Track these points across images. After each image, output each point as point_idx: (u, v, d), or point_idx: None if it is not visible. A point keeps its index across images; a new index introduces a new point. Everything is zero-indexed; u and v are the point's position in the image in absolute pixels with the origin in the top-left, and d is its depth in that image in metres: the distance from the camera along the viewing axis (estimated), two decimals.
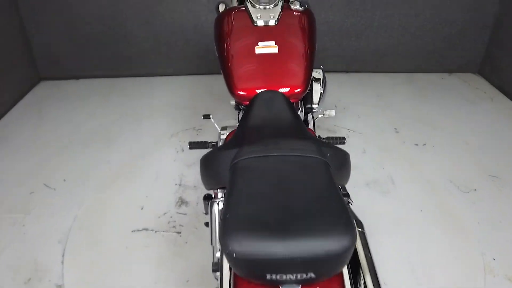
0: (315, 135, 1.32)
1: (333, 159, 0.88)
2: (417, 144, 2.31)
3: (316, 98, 1.49)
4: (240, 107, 1.46)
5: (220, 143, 1.62)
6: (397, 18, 2.90)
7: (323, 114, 1.65)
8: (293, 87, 1.28)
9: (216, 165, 0.92)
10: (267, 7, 1.41)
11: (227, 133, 1.61)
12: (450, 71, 3.15)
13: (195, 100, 2.76)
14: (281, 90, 1.26)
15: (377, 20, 2.91)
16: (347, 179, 0.96)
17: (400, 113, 2.60)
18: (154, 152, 2.20)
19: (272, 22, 1.38)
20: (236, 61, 1.33)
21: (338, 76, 3.10)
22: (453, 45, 3.02)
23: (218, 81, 3.01)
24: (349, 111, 2.63)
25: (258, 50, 1.32)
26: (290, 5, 1.45)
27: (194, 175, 2.01)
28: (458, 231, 1.71)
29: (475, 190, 1.96)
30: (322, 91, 1.49)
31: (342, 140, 1.81)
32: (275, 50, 1.32)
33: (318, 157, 0.81)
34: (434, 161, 2.16)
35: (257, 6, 1.41)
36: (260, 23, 1.38)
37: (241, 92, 1.27)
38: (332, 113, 1.72)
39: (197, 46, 3.00)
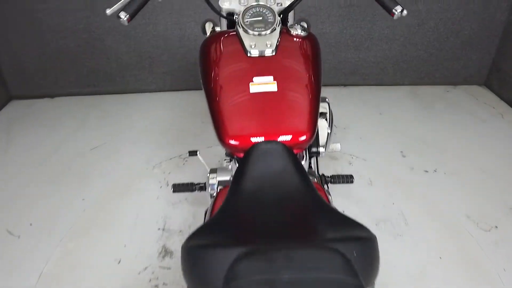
0: (327, 197, 1.09)
1: (360, 259, 0.65)
2: (427, 171, 2.09)
3: (322, 139, 1.26)
4: (232, 158, 1.22)
5: (209, 189, 1.38)
6: (399, 28, 2.69)
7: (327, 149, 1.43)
8: (297, 135, 1.04)
9: (205, 267, 0.68)
10: (263, 33, 1.17)
11: (217, 179, 1.38)
12: (455, 83, 2.95)
13: (181, 120, 2.51)
14: (282, 138, 1.03)
15: (378, 30, 2.69)
16: (376, 275, 0.74)
17: (405, 134, 2.38)
18: (134, 187, 1.95)
19: (269, 52, 1.14)
20: (226, 101, 1.09)
21: (336, 90, 2.88)
22: (458, 56, 2.82)
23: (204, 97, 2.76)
24: (350, 131, 2.41)
25: (253, 88, 1.09)
26: (290, 29, 1.21)
27: (180, 216, 1.77)
28: (484, 283, 1.50)
29: (496, 227, 1.76)
30: (329, 131, 1.26)
31: (350, 179, 1.58)
32: (273, 87, 1.09)
33: (346, 278, 0.57)
34: (447, 191, 1.95)
35: (251, 32, 1.17)
36: (255, 53, 1.14)
37: (233, 142, 1.04)
38: (337, 147, 1.50)
39: (183, 60, 2.75)
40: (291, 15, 1.40)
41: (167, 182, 1.97)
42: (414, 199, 1.89)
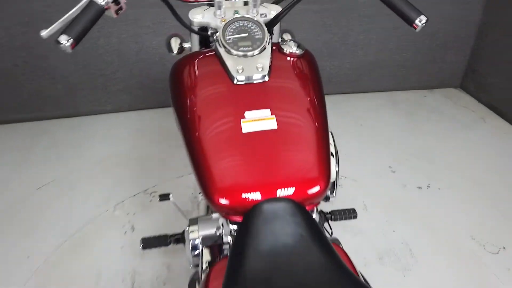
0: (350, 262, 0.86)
1: None
2: (420, 187, 1.93)
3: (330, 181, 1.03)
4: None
5: (189, 246, 1.11)
6: (374, 33, 2.53)
7: None
8: (309, 185, 0.80)
9: None
10: (250, 53, 0.93)
11: (199, 233, 1.11)
12: (431, 87, 2.85)
13: (144, 145, 2.21)
14: (290, 192, 0.79)
15: (353, 36, 2.52)
16: None
17: (390, 146, 2.22)
18: (92, 236, 1.63)
19: (261, 77, 0.90)
20: (213, 146, 0.83)
21: None
22: (434, 59, 2.71)
23: (168, 116, 2.48)
24: None
25: (246, 126, 0.84)
26: (282, 47, 0.98)
27: (151, 269, 1.48)
28: None
29: (504, 248, 1.61)
30: (337, 168, 1.03)
31: (352, 214, 1.37)
32: (272, 124, 0.84)
33: None
34: (445, 210, 1.79)
35: (235, 52, 0.93)
36: (243, 79, 0.89)
37: (225, 201, 0.78)
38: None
39: (141, 75, 2.44)
40: (276, 28, 1.17)
41: (133, 226, 1.66)
42: (414, 223, 1.71)
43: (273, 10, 1.10)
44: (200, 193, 1.78)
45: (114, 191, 1.86)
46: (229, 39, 0.95)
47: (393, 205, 1.80)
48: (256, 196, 0.78)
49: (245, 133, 0.83)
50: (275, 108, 0.87)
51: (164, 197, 1.29)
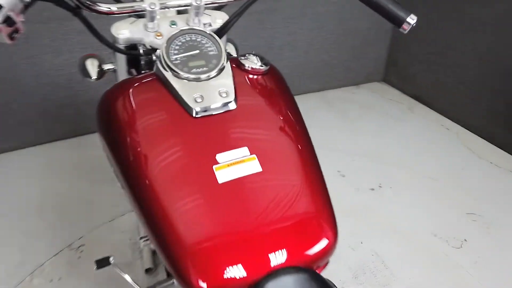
0: None
1: None
2: (372, 189, 1.87)
3: None
4: None
5: None
6: (300, 34, 2.45)
7: None
8: (315, 240, 0.63)
9: None
10: (205, 75, 0.72)
11: None
12: (357, 83, 2.86)
13: (59, 185, 1.84)
14: (297, 255, 0.60)
15: (279, 38, 2.40)
16: None
17: (333, 149, 2.15)
18: None
19: (226, 105, 0.70)
20: (181, 207, 0.61)
21: None
22: (357, 55, 2.72)
23: (85, 145, 2.12)
24: None
25: (222, 175, 0.63)
26: (243, 62, 0.78)
27: None
28: None
29: (466, 240, 1.61)
30: None
31: None
32: (255, 166, 0.65)
33: None
34: (403, 209, 1.75)
35: (185, 75, 0.71)
36: (204, 109, 0.68)
37: (206, 284, 0.57)
38: None
39: (44, 103, 2.05)
40: (223, 40, 0.98)
41: None
42: (378, 229, 1.63)
43: (219, 18, 0.90)
44: (142, 238, 1.51)
45: (29, 251, 1.49)
46: (176, 59, 0.73)
47: (351, 212, 1.71)
48: (253, 270, 0.57)
49: (222, 184, 0.62)
50: (254, 145, 0.67)
51: (102, 263, 1.01)
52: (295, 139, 0.72)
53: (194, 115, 0.68)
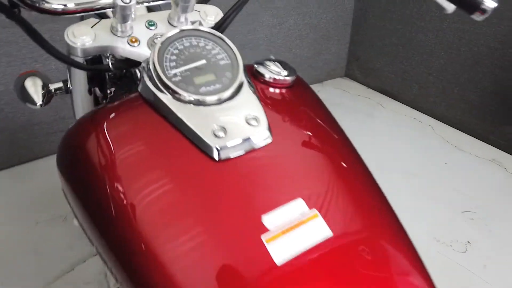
0: None
1: None
2: None
3: None
4: None
5: None
6: (261, 31, 2.25)
7: None
8: None
9: None
10: (218, 96, 0.49)
11: None
12: (320, 80, 2.73)
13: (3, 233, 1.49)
14: None
15: (239, 38, 2.19)
16: None
17: None
18: None
19: (260, 139, 0.48)
20: None
21: None
22: (319, 51, 2.59)
23: (21, 176, 1.77)
24: None
25: (277, 250, 0.41)
26: (261, 72, 0.57)
27: None
28: None
29: (469, 242, 1.51)
30: None
31: None
32: (321, 227, 0.43)
33: None
34: (401, 214, 1.62)
35: (190, 97, 0.48)
36: (229, 147, 0.46)
37: None
38: None
39: None
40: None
41: None
42: None
43: (210, 15, 0.67)
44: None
45: None
46: (176, 74, 0.50)
47: None
48: None
49: (283, 265, 0.40)
50: (310, 193, 0.46)
51: None
52: (353, 170, 0.53)
53: (216, 157, 0.45)
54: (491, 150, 2.02)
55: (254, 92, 0.52)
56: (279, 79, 0.57)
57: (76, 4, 0.53)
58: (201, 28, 0.54)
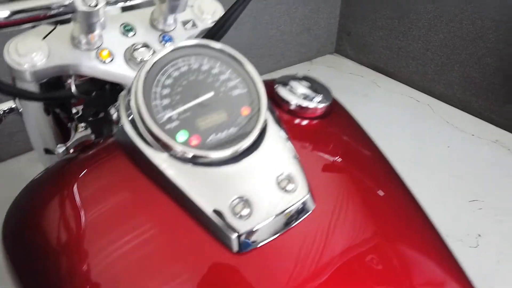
0: None
1: None
2: None
3: None
4: None
5: None
6: (247, 8, 2.05)
7: None
8: None
9: None
10: (235, 149, 0.34)
11: None
12: (310, 58, 2.56)
13: None
14: None
15: None
16: None
17: None
18: None
19: (299, 208, 0.33)
20: None
21: None
22: (308, 26, 2.40)
23: None
24: None
25: None
26: (284, 97, 0.41)
27: None
28: None
29: (480, 236, 1.43)
30: None
31: None
32: None
33: None
34: None
35: (190, 153, 0.33)
36: (257, 232, 0.31)
37: None
38: None
39: None
40: None
41: None
42: None
43: (207, 11, 0.51)
44: None
45: None
46: (171, 118, 0.34)
47: None
48: None
49: None
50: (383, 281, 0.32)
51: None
52: (423, 238, 0.39)
53: (236, 248, 0.30)
54: (494, 130, 1.93)
55: (283, 134, 0.37)
56: (312, 108, 0.41)
57: (13, 12, 0.35)
58: (203, 42, 0.38)
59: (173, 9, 0.44)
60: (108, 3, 0.40)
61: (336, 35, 2.58)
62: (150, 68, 0.34)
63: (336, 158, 0.40)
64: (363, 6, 2.35)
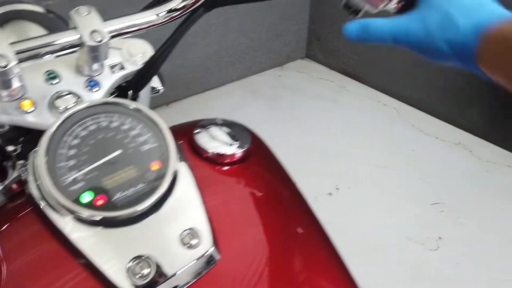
0: None
1: None
2: (330, 193, 1.65)
3: None
4: None
5: None
6: (214, 15, 2.05)
7: None
8: None
9: None
10: (141, 207, 0.35)
11: None
12: (280, 63, 2.58)
13: None
14: None
15: None
16: None
17: (276, 150, 1.87)
18: None
19: (201, 265, 0.34)
20: None
21: (161, 114, 2.08)
22: (278, 32, 2.42)
23: None
24: None
25: None
26: (201, 145, 0.43)
27: None
28: None
29: (440, 238, 1.47)
30: None
31: None
32: None
33: None
34: (369, 211, 1.56)
35: (95, 216, 0.34)
36: None
37: None
38: None
39: None
40: (146, 91, 0.61)
41: None
42: (350, 242, 1.42)
43: (137, 53, 0.52)
44: None
45: None
46: (76, 179, 0.35)
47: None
48: None
49: None
50: None
51: None
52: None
53: None
54: (457, 132, 1.99)
55: (193, 186, 0.38)
56: (229, 155, 0.43)
57: None
58: (110, 100, 0.39)
59: (94, 59, 0.45)
60: (20, 61, 0.40)
61: (306, 40, 2.61)
62: (56, 130, 0.35)
63: (250, 204, 0.42)
64: (331, 10, 2.38)
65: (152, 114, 0.40)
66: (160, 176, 0.37)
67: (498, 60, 0.35)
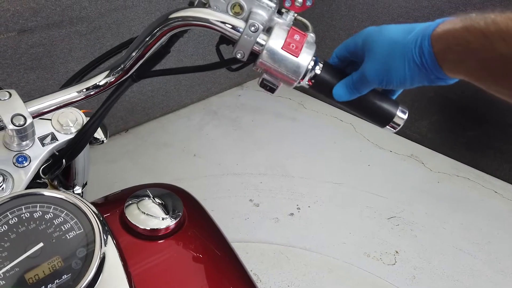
0: None
1: None
2: (292, 214, 1.68)
3: None
4: None
5: None
6: None
7: None
8: None
9: None
10: None
11: None
12: (240, 82, 2.61)
13: None
14: None
15: None
16: None
17: (240, 173, 1.88)
18: None
19: None
20: None
21: (117, 139, 2.06)
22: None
23: None
24: None
25: None
26: (134, 221, 0.44)
27: None
28: None
29: (397, 252, 1.53)
30: None
31: None
32: None
33: None
34: (329, 230, 1.60)
35: None
36: None
37: None
38: None
39: None
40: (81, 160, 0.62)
41: None
42: (309, 257, 1.45)
43: (69, 122, 0.53)
44: None
45: None
46: None
47: (278, 256, 1.49)
48: None
49: None
50: None
51: None
52: None
53: None
54: (409, 145, 2.08)
55: (120, 267, 0.39)
56: (161, 229, 0.44)
57: None
58: (31, 192, 0.39)
59: (21, 138, 0.45)
60: None
61: None
62: None
63: (184, 275, 0.43)
64: None
65: (77, 201, 0.40)
66: (87, 264, 0.37)
67: (456, 56, 0.37)
